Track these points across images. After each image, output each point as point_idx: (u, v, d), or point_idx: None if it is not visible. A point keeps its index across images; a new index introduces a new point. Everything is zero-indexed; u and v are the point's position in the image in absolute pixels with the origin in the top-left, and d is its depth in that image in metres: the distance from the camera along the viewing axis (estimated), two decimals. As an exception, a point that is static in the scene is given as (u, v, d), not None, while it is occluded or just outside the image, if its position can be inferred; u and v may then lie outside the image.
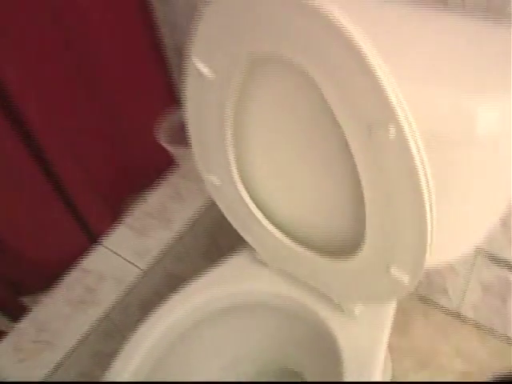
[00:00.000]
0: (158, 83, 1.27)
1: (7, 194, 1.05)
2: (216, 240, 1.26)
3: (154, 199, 1.25)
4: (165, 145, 1.18)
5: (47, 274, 1.17)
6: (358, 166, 0.62)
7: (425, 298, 1.31)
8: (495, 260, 1.06)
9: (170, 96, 1.28)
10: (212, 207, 1.21)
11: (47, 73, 1.05)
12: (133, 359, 0.87)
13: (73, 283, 1.14)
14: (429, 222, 0.61)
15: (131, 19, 1.15)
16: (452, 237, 0.78)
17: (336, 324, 0.85)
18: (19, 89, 0.98)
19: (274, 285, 0.92)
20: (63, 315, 1.09)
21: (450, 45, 0.66)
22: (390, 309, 0.86)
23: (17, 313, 1.14)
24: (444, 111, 0.60)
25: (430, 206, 0.60)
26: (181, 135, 1.16)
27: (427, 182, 0.58)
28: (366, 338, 0.83)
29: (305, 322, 0.91)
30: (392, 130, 0.54)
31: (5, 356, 1.06)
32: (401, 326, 1.29)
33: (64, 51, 1.06)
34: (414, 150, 0.55)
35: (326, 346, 0.86)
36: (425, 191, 0.58)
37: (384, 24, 0.70)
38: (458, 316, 1.27)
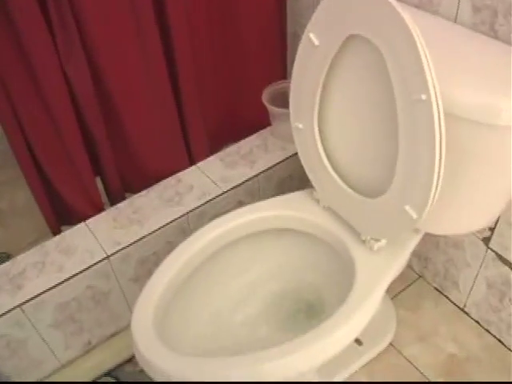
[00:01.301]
0: (276, 56, 1.58)
1: (142, 98, 1.39)
2: (284, 188, 1.56)
3: (246, 145, 1.57)
4: (266, 104, 1.49)
5: (150, 178, 1.50)
6: (399, 122, 0.89)
7: (439, 289, 1.54)
8: (501, 259, 1.29)
9: (280, 69, 1.60)
10: (288, 163, 1.51)
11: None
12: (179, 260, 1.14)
13: (167, 187, 1.47)
14: (435, 174, 0.87)
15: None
16: (471, 208, 1.04)
17: (358, 253, 1.11)
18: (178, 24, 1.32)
19: (318, 217, 1.20)
20: (154, 206, 1.42)
21: (483, 57, 0.95)
22: (401, 255, 1.12)
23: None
24: (474, 98, 0.87)
25: (439, 162, 0.86)
26: (279, 101, 1.47)
27: (440, 141, 0.84)
28: (378, 267, 1.09)
29: (333, 250, 1.19)
30: (423, 97, 0.82)
31: (105, 223, 1.39)
32: (413, 305, 1.53)
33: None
34: (435, 114, 0.82)
35: (345, 270, 1.13)
36: (437, 148, 0.85)
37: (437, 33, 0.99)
38: (463, 310, 1.50)
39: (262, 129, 1.62)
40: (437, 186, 0.90)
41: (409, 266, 1.61)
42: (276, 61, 1.59)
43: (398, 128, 0.90)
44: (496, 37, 1.02)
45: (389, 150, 0.98)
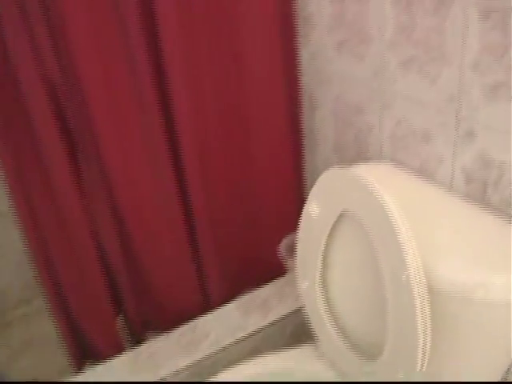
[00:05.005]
0: (295, 208, 1.68)
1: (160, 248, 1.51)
2: (300, 336, 1.60)
3: (262, 293, 1.64)
4: (282, 255, 1.57)
5: (167, 321, 1.58)
6: (387, 297, 0.95)
7: None
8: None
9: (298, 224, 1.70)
10: (301, 312, 1.57)
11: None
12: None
13: (185, 333, 1.54)
14: (420, 348, 0.92)
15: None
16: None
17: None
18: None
19: (321, 372, 1.24)
20: (170, 353, 1.48)
21: (472, 230, 1.02)
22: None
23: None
24: (461, 274, 0.93)
25: (424, 337, 0.91)
26: (294, 251, 1.55)
27: (423, 319, 0.90)
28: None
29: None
30: (404, 277, 0.88)
31: (123, 365, 1.46)
32: None
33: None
34: (416, 295, 0.88)
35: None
36: (419, 326, 0.90)
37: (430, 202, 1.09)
38: None
39: (280, 275, 1.70)
40: (423, 358, 0.93)
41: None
42: (295, 212, 1.68)
43: (387, 302, 0.96)
44: (488, 205, 1.09)
45: (382, 318, 1.03)
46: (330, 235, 1.11)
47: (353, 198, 0.99)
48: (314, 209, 1.11)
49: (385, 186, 0.93)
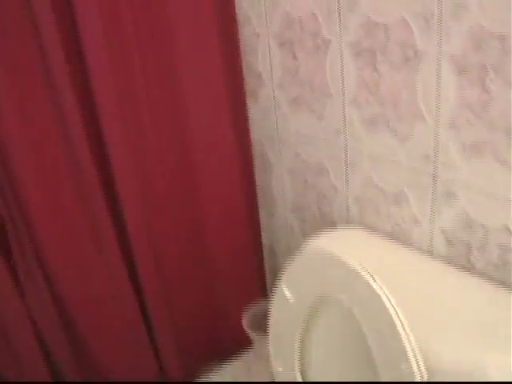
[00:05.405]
0: (252, 273, 1.57)
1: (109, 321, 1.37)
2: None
3: (228, 371, 1.50)
4: (246, 328, 1.45)
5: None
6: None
7: None
8: None
9: (259, 286, 1.59)
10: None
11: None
12: None
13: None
14: None
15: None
16: None
17: None
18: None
19: None
20: None
21: (464, 302, 0.92)
22: None
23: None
24: (457, 358, 0.84)
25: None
26: (260, 323, 1.43)
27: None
28: None
29: None
30: (404, 366, 0.78)
31: None
32: None
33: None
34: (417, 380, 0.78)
35: None
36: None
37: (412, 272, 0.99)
38: None
39: (246, 348, 1.57)
40: None
41: None
42: (253, 277, 1.58)
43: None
44: (473, 269, 1.01)
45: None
46: (308, 318, 1.00)
47: (334, 282, 0.89)
48: (287, 293, 1.00)
49: (365, 262, 0.84)
